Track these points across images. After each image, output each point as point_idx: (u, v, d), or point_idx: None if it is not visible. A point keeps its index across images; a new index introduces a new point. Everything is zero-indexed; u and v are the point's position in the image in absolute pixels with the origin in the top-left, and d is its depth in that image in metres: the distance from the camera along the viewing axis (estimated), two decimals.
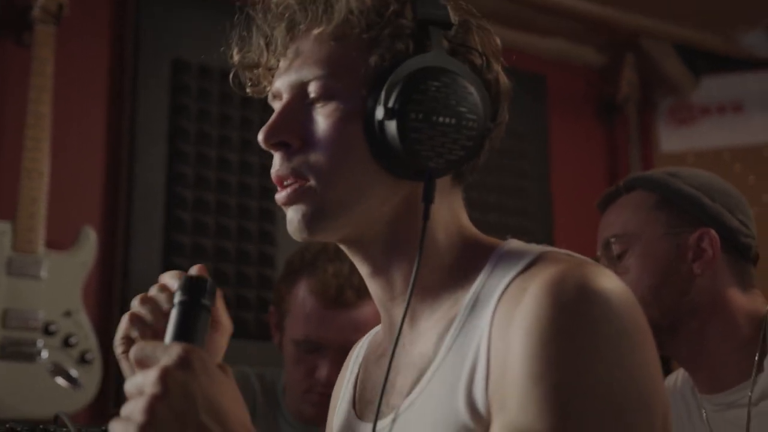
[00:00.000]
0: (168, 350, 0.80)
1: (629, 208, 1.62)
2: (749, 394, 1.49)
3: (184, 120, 2.96)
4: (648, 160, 3.95)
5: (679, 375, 1.69)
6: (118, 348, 1.03)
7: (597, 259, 1.63)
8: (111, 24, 2.98)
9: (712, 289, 1.55)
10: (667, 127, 4.04)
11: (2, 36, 2.78)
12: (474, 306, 0.95)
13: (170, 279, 1.03)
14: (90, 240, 2.66)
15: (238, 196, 3.00)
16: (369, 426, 1.04)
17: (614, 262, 1.59)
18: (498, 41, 1.05)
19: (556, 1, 3.58)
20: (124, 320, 1.03)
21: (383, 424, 0.99)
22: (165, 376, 0.78)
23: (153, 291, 1.04)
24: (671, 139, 4.02)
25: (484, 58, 1.00)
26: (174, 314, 0.86)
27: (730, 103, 3.97)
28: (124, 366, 1.03)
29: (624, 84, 3.85)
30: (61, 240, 2.64)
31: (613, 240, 1.60)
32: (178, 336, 0.85)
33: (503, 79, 1.04)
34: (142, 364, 0.81)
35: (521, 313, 0.88)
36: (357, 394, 1.12)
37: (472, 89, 0.96)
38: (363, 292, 1.83)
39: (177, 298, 0.87)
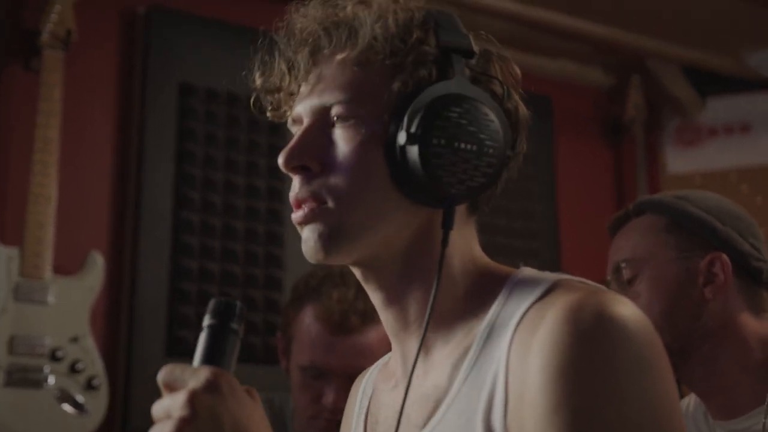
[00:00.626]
0: (196, 374, 0.80)
1: (638, 232, 1.61)
2: (764, 420, 1.48)
3: (191, 143, 2.96)
4: (655, 182, 3.95)
5: (692, 400, 1.67)
6: None
7: (607, 284, 1.62)
8: (119, 49, 3.00)
9: (724, 314, 1.54)
10: (674, 148, 4.03)
11: (11, 61, 2.79)
12: (489, 335, 0.95)
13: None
14: (97, 265, 2.66)
15: (246, 220, 3.00)
16: None
17: (625, 287, 1.58)
18: (518, 71, 1.05)
19: (562, 23, 3.59)
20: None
21: None
22: (193, 400, 0.78)
23: None
24: (678, 161, 4.01)
25: (504, 87, 1.01)
26: (202, 338, 0.86)
27: (737, 124, 3.97)
28: None
29: (630, 105, 3.85)
30: (68, 265, 2.64)
31: (623, 265, 1.59)
32: (207, 359, 0.85)
33: (522, 108, 1.04)
34: (171, 387, 0.81)
35: (539, 341, 0.87)
36: (368, 427, 1.11)
37: (493, 116, 0.96)
38: (368, 318, 1.83)
39: (206, 322, 0.87)
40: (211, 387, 0.79)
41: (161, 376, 0.82)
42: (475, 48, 1.00)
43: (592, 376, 0.84)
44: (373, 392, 1.15)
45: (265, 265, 3.00)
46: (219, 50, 2.95)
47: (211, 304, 0.87)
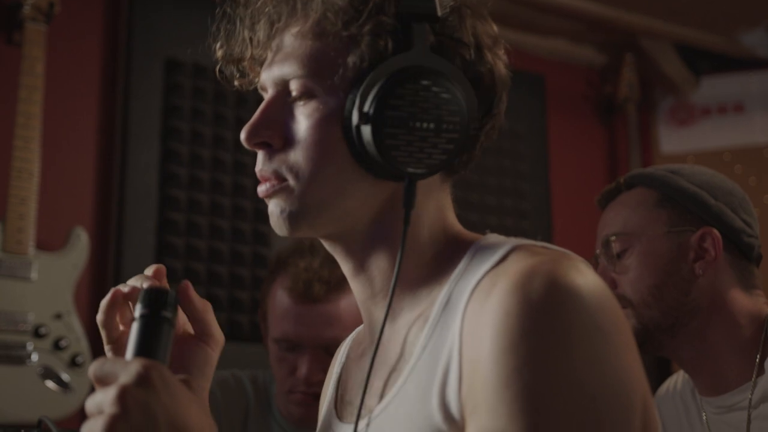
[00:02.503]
0: (127, 367, 0.77)
1: (630, 205, 1.59)
2: (750, 396, 1.46)
3: (177, 120, 2.92)
4: (648, 161, 3.93)
5: (680, 377, 1.66)
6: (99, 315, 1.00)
7: (596, 257, 1.60)
8: (103, 22, 2.95)
9: (714, 290, 1.52)
10: (667, 127, 4.00)
11: None
12: (447, 303, 0.93)
13: (135, 281, 1.00)
14: (81, 241, 2.63)
15: (232, 197, 2.97)
16: (347, 427, 1.02)
17: (614, 261, 1.56)
18: (495, 28, 1.01)
19: (556, 1, 3.56)
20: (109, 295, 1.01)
21: (358, 426, 0.97)
22: (124, 395, 0.75)
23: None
24: (671, 140, 3.99)
25: (475, 49, 0.96)
26: (134, 329, 0.84)
27: (730, 104, 3.94)
28: (103, 334, 1.00)
29: (623, 84, 3.83)
30: (51, 241, 2.61)
31: (612, 238, 1.57)
32: (139, 351, 0.82)
33: (499, 69, 1.00)
34: (102, 381, 0.78)
35: (489, 311, 0.85)
36: (338, 395, 1.10)
37: (455, 89, 0.92)
38: (334, 286, 1.83)
39: (137, 312, 0.84)
40: (143, 381, 0.76)
41: (92, 369, 0.79)
42: (441, 10, 0.94)
43: (542, 347, 0.81)
44: (345, 360, 1.14)
45: (253, 243, 2.97)
46: (205, 25, 2.90)
47: (142, 293, 0.85)
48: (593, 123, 3.97)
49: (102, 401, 0.76)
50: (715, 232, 1.52)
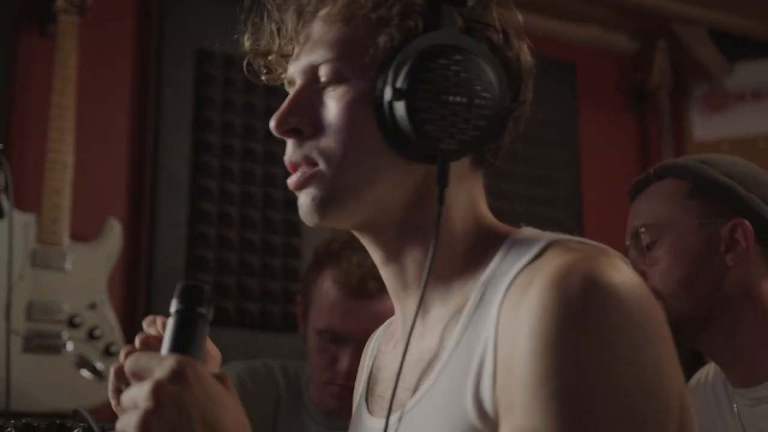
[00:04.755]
0: (162, 363, 0.78)
1: (660, 196, 1.58)
2: None
3: (209, 110, 2.94)
4: (681, 149, 3.89)
5: (711, 368, 1.65)
6: (112, 400, 1.01)
7: (627, 249, 1.59)
8: (135, 14, 2.97)
9: (745, 282, 1.51)
10: (700, 114, 3.96)
11: (26, 27, 2.77)
12: (482, 297, 0.92)
13: (148, 326, 1.02)
14: (115, 231, 2.66)
15: (264, 186, 2.98)
16: (378, 422, 1.02)
17: (643, 253, 1.55)
18: (520, 18, 1.01)
19: None
20: (112, 374, 1.02)
21: (390, 420, 0.96)
22: (158, 390, 0.75)
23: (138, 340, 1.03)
24: (705, 127, 3.95)
25: (502, 35, 0.97)
26: (170, 324, 0.84)
27: (765, 89, 3.89)
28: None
29: (656, 71, 3.79)
30: (85, 231, 2.64)
31: (642, 230, 1.56)
32: (174, 347, 0.83)
33: (525, 57, 1.00)
34: (137, 376, 0.79)
35: (526, 308, 0.84)
36: (370, 388, 1.10)
37: (486, 67, 0.93)
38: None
39: (173, 308, 0.85)
40: (177, 376, 0.76)
41: (128, 364, 0.80)
42: None
43: (579, 346, 0.81)
44: (377, 353, 1.14)
45: (284, 233, 2.99)
46: (236, 16, 2.91)
47: (178, 288, 0.85)
48: (624, 110, 3.93)
49: (137, 396, 0.76)
50: (747, 223, 1.50)
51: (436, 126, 0.91)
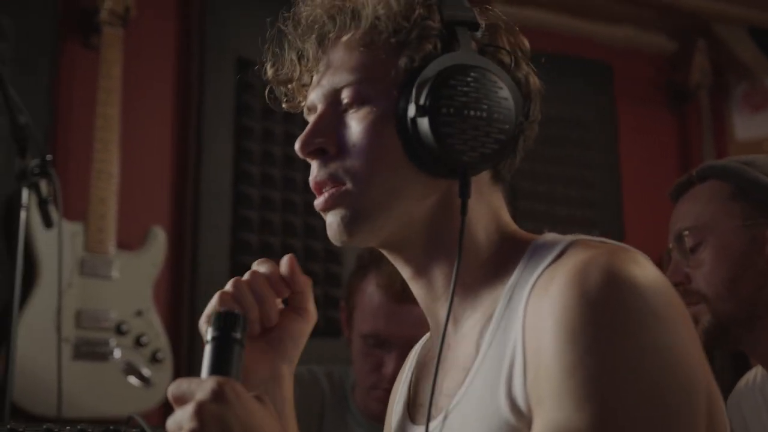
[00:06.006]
0: (202, 385, 0.82)
1: (703, 199, 1.57)
2: None
3: (249, 118, 2.98)
4: (722, 149, 3.86)
5: (758, 371, 1.64)
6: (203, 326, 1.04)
7: (669, 252, 1.59)
8: (177, 24, 3.02)
9: None
10: (741, 113, 3.93)
11: (70, 39, 2.83)
12: (510, 301, 0.95)
13: (259, 265, 1.07)
14: (159, 239, 2.70)
15: (304, 194, 3.01)
16: (420, 429, 1.04)
17: (687, 256, 1.55)
18: (527, 43, 1.06)
19: None
20: (215, 298, 1.05)
21: (432, 426, 1.00)
22: (201, 410, 0.79)
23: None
24: (746, 126, 3.91)
25: (512, 57, 1.01)
26: (207, 350, 0.89)
27: None
28: None
29: (695, 70, 3.76)
30: (130, 240, 2.68)
31: (686, 233, 1.55)
32: (213, 370, 0.87)
33: (534, 79, 1.04)
34: (180, 400, 0.83)
35: (548, 304, 0.88)
36: (411, 398, 1.12)
37: (501, 84, 0.97)
38: None
39: (209, 335, 0.89)
40: (217, 396, 0.80)
41: (170, 390, 0.84)
42: (481, 21, 1.01)
43: (602, 336, 0.84)
44: (417, 363, 1.16)
45: (325, 238, 2.99)
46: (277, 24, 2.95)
47: (214, 316, 0.89)
48: (663, 111, 3.91)
49: (181, 418, 0.80)
50: None
51: (458, 139, 0.95)
